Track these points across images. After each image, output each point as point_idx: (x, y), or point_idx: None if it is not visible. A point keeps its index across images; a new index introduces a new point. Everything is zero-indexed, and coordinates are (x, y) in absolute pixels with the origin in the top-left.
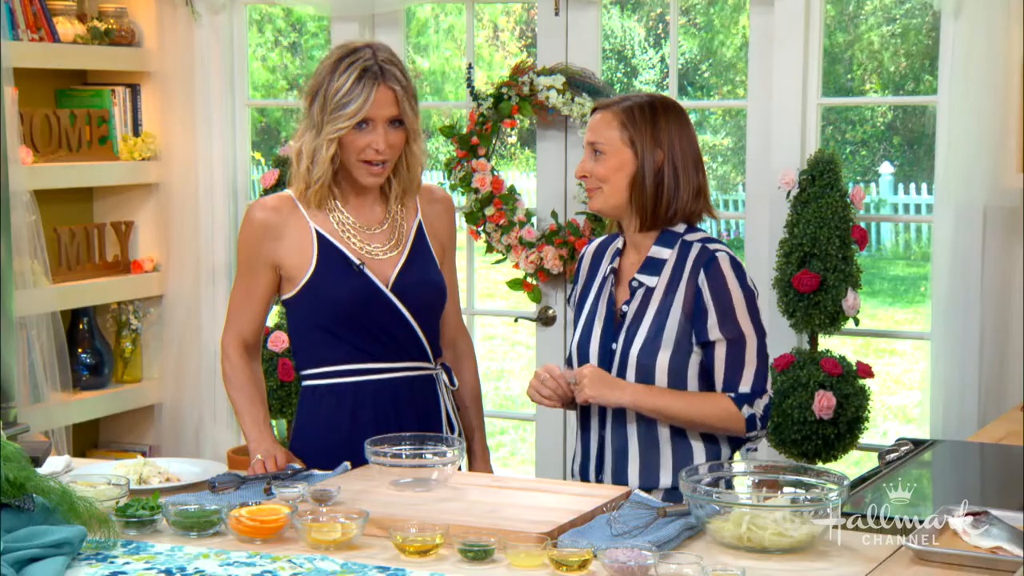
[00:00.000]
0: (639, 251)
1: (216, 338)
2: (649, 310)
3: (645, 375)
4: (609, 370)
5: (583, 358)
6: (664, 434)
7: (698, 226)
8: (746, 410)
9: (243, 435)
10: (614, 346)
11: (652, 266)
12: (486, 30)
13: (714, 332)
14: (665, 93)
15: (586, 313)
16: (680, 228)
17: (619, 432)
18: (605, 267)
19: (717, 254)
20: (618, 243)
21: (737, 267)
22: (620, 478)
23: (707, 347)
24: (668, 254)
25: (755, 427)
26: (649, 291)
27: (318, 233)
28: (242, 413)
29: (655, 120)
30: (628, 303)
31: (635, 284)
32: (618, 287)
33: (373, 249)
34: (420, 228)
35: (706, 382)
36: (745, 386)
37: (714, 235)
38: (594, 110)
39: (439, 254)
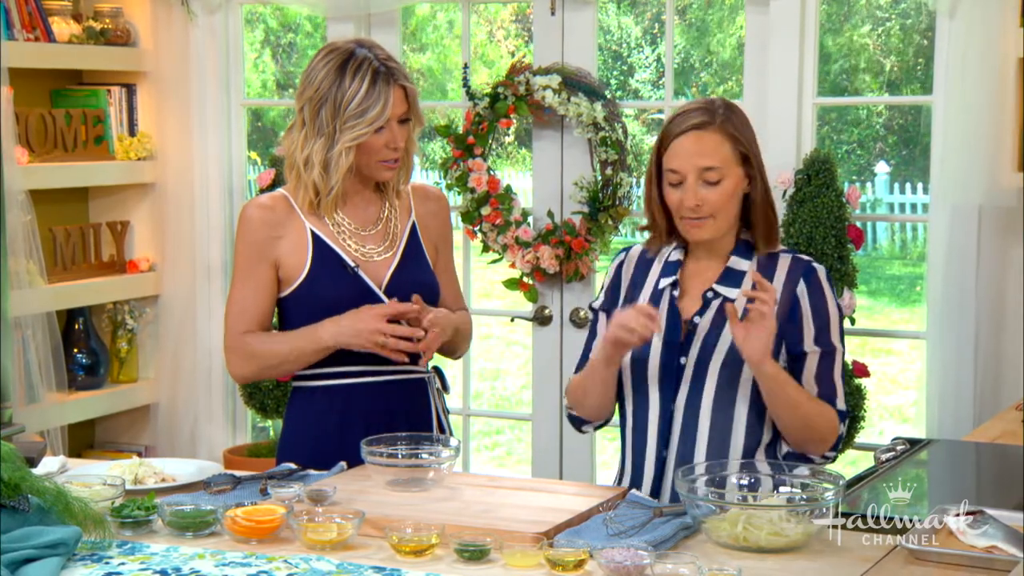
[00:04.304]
0: (713, 261)
1: (212, 337)
2: (728, 323)
3: (728, 386)
4: (677, 385)
5: (639, 372)
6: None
7: None
8: (840, 427)
9: (316, 343)
10: (684, 359)
11: (732, 277)
12: (483, 28)
13: (809, 344)
14: (661, 93)
15: None
16: (752, 238)
17: (686, 449)
18: (655, 279)
19: (814, 265)
20: (669, 254)
21: (831, 280)
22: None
23: (798, 359)
24: (747, 265)
25: (837, 448)
26: (728, 302)
27: (314, 234)
28: (288, 342)
29: (747, 126)
30: (700, 314)
31: (711, 295)
32: (682, 298)
33: (368, 251)
34: (414, 228)
35: None
36: (841, 403)
37: None
38: (680, 132)
39: (432, 254)
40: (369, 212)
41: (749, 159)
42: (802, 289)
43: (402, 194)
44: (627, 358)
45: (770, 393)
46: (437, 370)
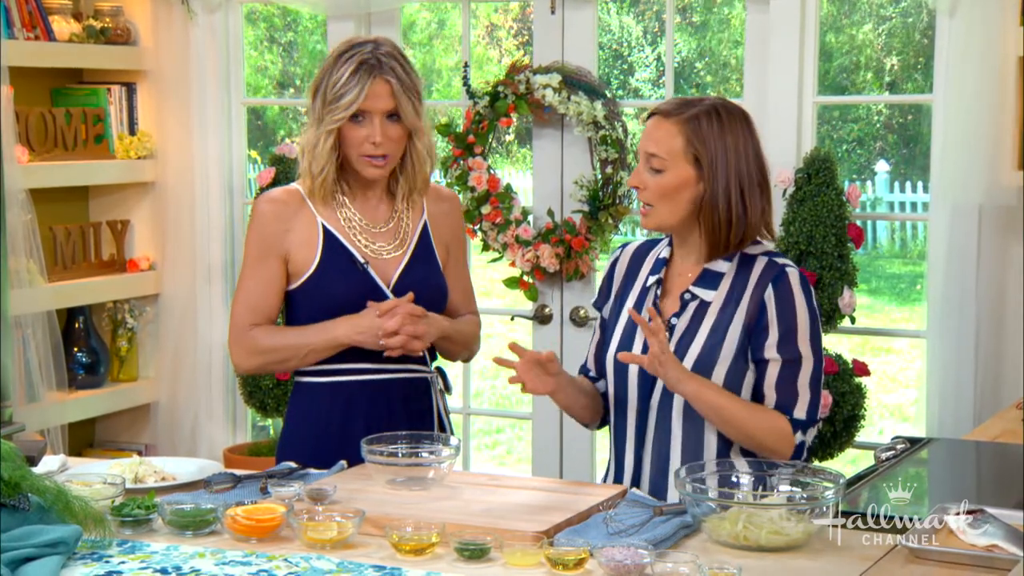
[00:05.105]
0: (696, 262)
1: (212, 336)
2: (704, 324)
3: None
4: (653, 385)
5: (620, 371)
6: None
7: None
8: (798, 436)
9: (325, 341)
10: None
11: (709, 279)
12: (481, 25)
13: (771, 351)
14: (661, 92)
15: (624, 323)
16: None
17: (661, 449)
18: (645, 275)
19: (787, 269)
20: (661, 251)
21: (805, 285)
22: (659, 495)
23: (760, 364)
24: (726, 267)
25: (800, 456)
26: (704, 304)
27: (325, 229)
28: (299, 338)
29: (723, 133)
30: (678, 315)
31: (688, 297)
32: (664, 298)
33: (378, 248)
34: (425, 228)
35: (757, 402)
36: (800, 412)
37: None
38: (651, 114)
39: (443, 255)
40: (380, 210)
41: (702, 163)
42: (769, 294)
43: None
44: (610, 354)
45: (699, 411)
46: (440, 370)
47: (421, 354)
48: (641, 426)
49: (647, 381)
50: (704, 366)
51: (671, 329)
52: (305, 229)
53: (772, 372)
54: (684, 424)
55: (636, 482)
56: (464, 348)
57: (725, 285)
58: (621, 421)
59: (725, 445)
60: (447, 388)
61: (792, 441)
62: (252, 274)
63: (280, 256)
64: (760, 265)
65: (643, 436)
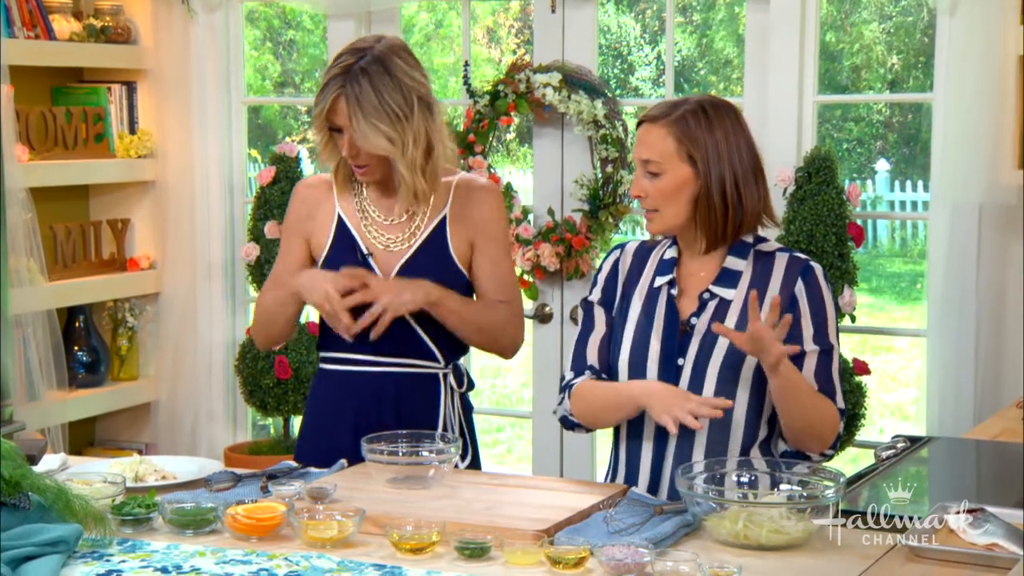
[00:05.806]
0: (709, 261)
1: (213, 335)
2: (727, 323)
3: (727, 387)
4: (676, 385)
5: (637, 373)
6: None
7: (759, 233)
8: (839, 426)
9: (287, 289)
10: (681, 361)
11: (728, 278)
12: (480, 25)
13: (808, 343)
14: (661, 91)
15: (635, 324)
16: (748, 238)
17: (683, 449)
18: (651, 276)
19: (812, 264)
20: (665, 251)
21: (827, 279)
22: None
23: (797, 358)
24: (743, 265)
25: (835, 446)
26: (724, 303)
27: (339, 217)
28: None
29: (711, 128)
30: (697, 315)
31: (707, 296)
32: (680, 298)
33: (386, 240)
34: (442, 223)
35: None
36: (840, 402)
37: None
38: (640, 122)
39: (463, 249)
40: (396, 203)
41: (696, 160)
42: (800, 288)
43: (441, 188)
44: (623, 357)
45: (783, 395)
46: (456, 367)
47: (430, 349)
48: (662, 427)
49: (669, 382)
50: (732, 364)
51: (690, 328)
52: (324, 216)
53: (811, 363)
54: (711, 424)
55: (655, 482)
56: (481, 334)
57: (744, 282)
58: (637, 421)
59: (747, 444)
60: (460, 384)
61: (838, 430)
62: (281, 252)
63: (303, 238)
64: (782, 262)
65: (664, 436)
